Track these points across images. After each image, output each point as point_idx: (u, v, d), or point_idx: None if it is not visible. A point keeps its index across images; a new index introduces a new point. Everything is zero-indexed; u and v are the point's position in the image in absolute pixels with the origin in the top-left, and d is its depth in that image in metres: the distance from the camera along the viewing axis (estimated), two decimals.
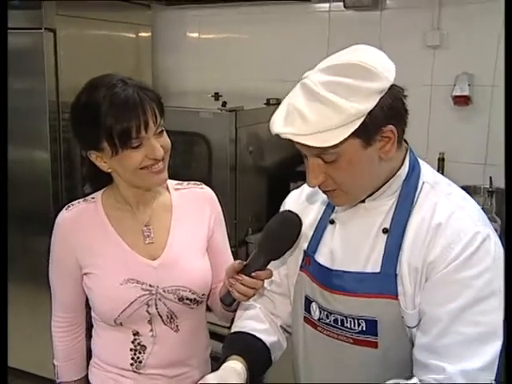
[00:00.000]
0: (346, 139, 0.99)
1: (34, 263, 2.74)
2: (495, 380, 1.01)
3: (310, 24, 2.82)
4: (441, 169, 2.57)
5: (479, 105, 2.52)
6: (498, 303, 1.00)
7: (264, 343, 1.23)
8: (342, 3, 2.62)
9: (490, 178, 2.28)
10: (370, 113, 0.99)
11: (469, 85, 2.48)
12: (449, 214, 1.06)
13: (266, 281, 1.23)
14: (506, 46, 1.08)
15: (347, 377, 1.08)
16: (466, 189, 2.37)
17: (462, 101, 2.51)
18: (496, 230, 2.05)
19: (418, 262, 1.06)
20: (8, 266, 2.80)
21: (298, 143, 1.03)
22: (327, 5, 2.78)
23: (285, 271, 1.28)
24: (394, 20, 2.63)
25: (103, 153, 1.25)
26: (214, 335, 1.55)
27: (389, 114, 1.02)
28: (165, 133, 1.29)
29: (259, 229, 2.37)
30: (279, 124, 1.03)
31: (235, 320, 1.31)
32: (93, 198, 1.38)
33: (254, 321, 1.27)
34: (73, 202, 1.38)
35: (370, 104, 0.99)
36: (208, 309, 1.47)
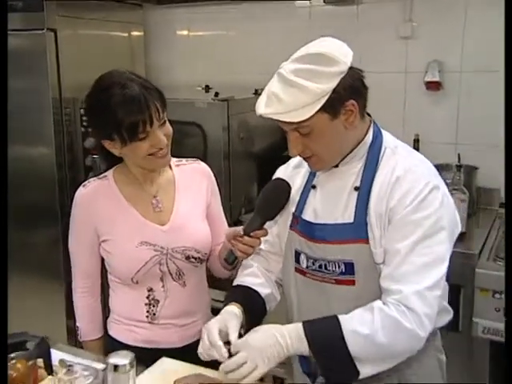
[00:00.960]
0: (315, 114, 1.23)
1: (42, 255, 2.90)
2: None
3: (293, 20, 3.01)
4: (416, 149, 2.79)
5: (449, 89, 2.73)
6: (444, 236, 1.26)
7: (259, 294, 1.45)
8: None
9: (458, 154, 2.50)
10: (333, 91, 1.23)
11: (439, 71, 2.70)
12: (405, 170, 1.30)
13: (262, 243, 1.46)
14: (506, 45, 1.23)
15: (332, 313, 1.29)
16: (438, 166, 2.62)
17: (434, 86, 2.73)
18: (463, 201, 2.29)
19: (381, 209, 1.29)
20: (15, 258, 2.99)
21: (277, 121, 1.27)
22: (308, 2, 2.99)
23: (277, 232, 1.50)
24: (370, 13, 2.84)
25: (114, 142, 1.45)
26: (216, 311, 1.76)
27: (349, 91, 1.26)
28: (167, 122, 1.50)
29: (252, 209, 2.59)
30: (261, 107, 1.27)
31: (236, 278, 1.53)
32: (105, 176, 1.59)
33: (251, 277, 1.49)
34: (88, 180, 1.59)
35: (331, 84, 1.22)
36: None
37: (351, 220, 1.32)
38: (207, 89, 3.06)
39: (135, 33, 3.27)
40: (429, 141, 2.79)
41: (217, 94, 2.61)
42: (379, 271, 1.30)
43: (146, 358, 1.44)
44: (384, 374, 1.29)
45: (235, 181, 2.63)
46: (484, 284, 2.03)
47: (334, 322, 1.23)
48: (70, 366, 1.19)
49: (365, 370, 1.23)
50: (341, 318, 1.24)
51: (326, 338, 1.22)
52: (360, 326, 1.21)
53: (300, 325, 1.24)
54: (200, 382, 1.30)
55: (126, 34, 3.20)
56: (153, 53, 3.41)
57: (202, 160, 2.65)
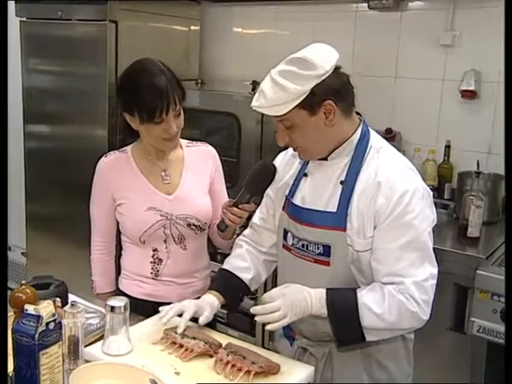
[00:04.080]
0: (293, 110, 1.39)
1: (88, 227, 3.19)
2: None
3: (339, 22, 3.14)
4: (446, 155, 2.86)
5: (485, 99, 2.77)
6: (428, 234, 1.44)
7: (242, 280, 1.66)
8: (366, 4, 2.96)
9: (477, 161, 2.54)
10: (311, 91, 1.38)
11: (475, 81, 2.73)
12: (387, 177, 1.44)
13: (255, 217, 1.69)
14: (506, 48, 1.35)
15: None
16: (466, 173, 2.68)
17: (469, 95, 2.77)
18: (479, 207, 2.36)
19: (364, 208, 1.44)
20: (70, 230, 3.25)
21: (263, 113, 1.45)
22: (354, 5, 3.12)
23: (272, 211, 1.69)
24: (412, 20, 2.93)
25: (134, 118, 1.67)
26: None
27: (328, 92, 1.40)
28: (182, 114, 1.70)
29: None
30: (253, 101, 1.46)
31: (227, 258, 1.74)
32: (124, 150, 1.83)
33: (238, 259, 1.70)
34: (109, 152, 1.84)
35: (307, 86, 1.38)
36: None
37: (334, 210, 1.48)
38: (254, 84, 3.24)
39: (192, 27, 3.49)
40: (461, 148, 2.85)
41: (254, 89, 2.79)
42: (353, 257, 1.46)
43: (148, 310, 1.67)
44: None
45: None
46: (484, 286, 2.10)
47: (352, 294, 1.42)
48: (74, 302, 1.40)
49: (370, 337, 1.43)
50: (358, 291, 1.43)
51: (342, 308, 1.41)
52: (373, 304, 1.40)
53: (324, 290, 1.44)
54: (185, 332, 1.49)
55: (183, 28, 3.43)
56: (207, 47, 3.63)
57: (236, 150, 2.88)
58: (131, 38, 3.01)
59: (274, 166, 1.61)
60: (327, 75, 1.39)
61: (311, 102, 1.40)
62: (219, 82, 3.52)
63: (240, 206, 1.61)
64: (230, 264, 1.70)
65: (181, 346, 1.46)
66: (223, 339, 1.51)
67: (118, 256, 1.90)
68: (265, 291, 2.76)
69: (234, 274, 1.66)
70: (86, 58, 2.99)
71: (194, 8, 3.48)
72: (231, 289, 1.65)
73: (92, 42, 2.97)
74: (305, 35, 3.26)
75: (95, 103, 3.03)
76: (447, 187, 2.87)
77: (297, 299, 1.40)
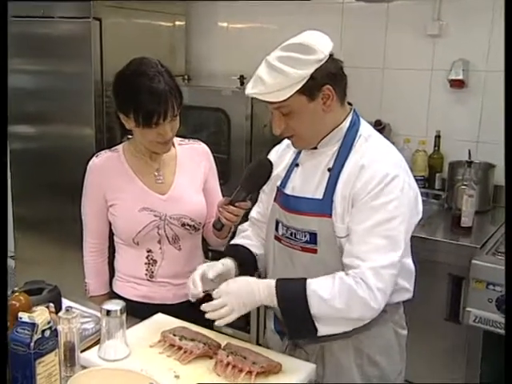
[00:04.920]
0: (293, 95, 1.37)
1: (80, 228, 3.15)
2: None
3: (326, 15, 3.11)
4: (436, 145, 2.86)
5: (473, 88, 2.78)
6: (400, 223, 1.39)
7: (251, 252, 1.64)
8: None
9: (469, 150, 2.55)
10: (311, 76, 1.36)
11: (463, 70, 2.74)
12: (370, 160, 1.42)
13: (254, 212, 1.67)
14: (506, 44, 1.29)
15: (298, 276, 1.45)
16: (457, 163, 2.69)
17: (457, 84, 2.78)
18: (471, 196, 2.36)
19: (346, 191, 1.43)
20: (56, 230, 3.22)
21: (262, 100, 1.42)
22: None
23: (267, 205, 1.66)
24: (399, 11, 2.92)
25: (129, 119, 1.63)
26: None
27: (326, 77, 1.39)
28: (177, 118, 1.66)
29: None
30: (249, 88, 1.43)
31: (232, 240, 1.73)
32: (116, 149, 1.79)
33: (245, 239, 1.69)
34: (101, 152, 1.79)
35: (308, 70, 1.36)
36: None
37: (321, 197, 1.47)
38: (242, 79, 3.22)
39: (177, 23, 3.45)
40: (451, 137, 2.86)
41: (242, 83, 2.76)
42: (339, 244, 1.44)
43: (144, 312, 1.64)
44: (339, 336, 1.44)
45: None
46: (479, 275, 2.10)
47: (301, 282, 1.39)
48: (69, 307, 1.37)
49: (322, 329, 1.38)
50: (308, 280, 1.40)
51: (291, 296, 1.38)
52: (321, 289, 1.37)
53: (273, 281, 1.42)
54: (182, 335, 1.46)
55: (168, 24, 3.39)
56: (193, 43, 3.59)
57: (226, 146, 2.85)
58: (116, 35, 2.98)
59: (270, 162, 1.59)
60: (325, 60, 1.38)
61: (311, 87, 1.38)
62: (206, 78, 3.49)
63: (236, 204, 1.58)
64: (239, 241, 1.69)
65: (179, 348, 1.43)
66: (221, 339, 1.49)
67: (111, 257, 1.87)
68: None
69: (244, 247, 1.65)
70: (70, 57, 2.95)
71: (179, 3, 3.44)
72: (243, 256, 1.62)
73: (76, 39, 2.93)
74: (291, 28, 3.15)
75: (81, 102, 2.99)
76: (438, 177, 2.87)
77: (244, 292, 1.39)
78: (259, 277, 1.63)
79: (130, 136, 1.77)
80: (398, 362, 1.60)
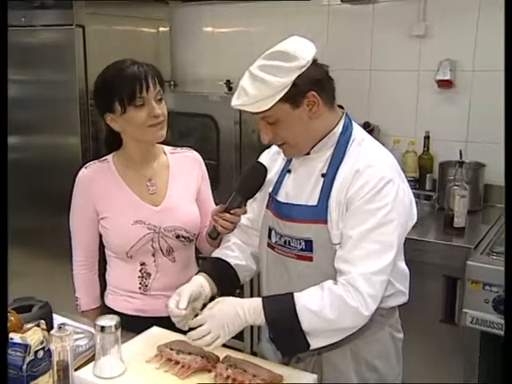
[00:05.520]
0: (276, 104, 1.35)
1: (67, 239, 3.10)
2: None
3: (312, 17, 3.09)
4: (426, 145, 2.85)
5: (461, 88, 2.78)
6: (395, 227, 1.37)
7: (230, 265, 1.59)
8: None
9: (460, 151, 2.54)
10: (293, 84, 1.34)
11: (451, 70, 2.74)
12: (365, 164, 1.40)
13: (243, 218, 1.61)
14: (506, 45, 1.28)
15: (293, 285, 1.43)
16: (447, 163, 2.69)
17: (445, 84, 2.78)
18: (464, 197, 2.35)
19: (341, 197, 1.40)
20: (43, 242, 3.16)
21: (245, 111, 1.39)
22: (326, 0, 3.08)
23: (258, 211, 1.63)
24: (385, 12, 2.91)
25: (114, 114, 1.60)
26: None
27: (310, 83, 1.37)
28: (164, 102, 1.64)
29: None
30: (234, 99, 1.41)
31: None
32: (105, 159, 1.74)
33: (226, 250, 1.64)
34: (89, 163, 1.75)
35: (290, 78, 1.34)
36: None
37: (315, 203, 1.44)
38: (228, 84, 3.19)
39: (161, 29, 3.42)
40: (440, 138, 2.85)
41: (230, 89, 2.74)
42: (335, 250, 1.41)
43: (138, 326, 1.59)
44: (337, 344, 1.41)
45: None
46: (475, 276, 2.08)
47: (288, 298, 1.36)
48: (62, 324, 1.33)
49: (315, 343, 1.35)
50: (295, 294, 1.36)
51: (280, 312, 1.35)
52: (311, 303, 1.34)
53: (259, 299, 1.38)
54: (179, 348, 1.42)
55: (151, 30, 3.36)
56: (178, 48, 3.56)
57: (214, 152, 2.82)
58: (99, 42, 2.94)
59: (264, 166, 1.56)
60: (308, 66, 1.36)
61: (294, 95, 1.36)
62: (192, 83, 3.46)
63: (232, 211, 1.54)
64: (217, 253, 1.64)
65: (177, 362, 1.39)
66: (219, 351, 1.45)
67: (102, 270, 1.82)
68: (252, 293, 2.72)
69: (222, 260, 1.60)
70: (53, 65, 2.90)
71: (162, 9, 3.41)
72: (220, 270, 1.57)
73: (59, 47, 2.89)
74: (276, 32, 3.15)
75: (66, 111, 2.95)
76: (428, 178, 2.87)
77: (227, 316, 1.34)
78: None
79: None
80: (395, 365, 1.58)
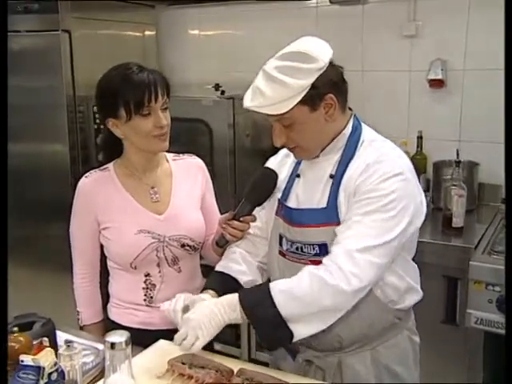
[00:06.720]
0: (294, 106, 1.32)
1: (55, 247, 3.02)
2: None
3: (300, 19, 3.06)
4: (419, 146, 2.85)
5: (452, 87, 2.78)
6: (395, 216, 1.32)
7: (237, 281, 1.54)
8: None
9: (457, 150, 2.55)
10: (312, 86, 1.31)
11: (442, 69, 2.74)
12: (375, 158, 1.38)
13: (252, 228, 1.57)
14: (506, 44, 1.29)
15: None
16: (441, 163, 2.68)
17: (437, 84, 2.77)
18: (462, 196, 2.35)
19: (349, 191, 1.38)
20: (29, 250, 3.10)
21: (261, 113, 1.35)
22: (315, 0, 3.06)
23: (265, 218, 1.59)
24: (375, 13, 2.90)
25: (119, 120, 1.55)
26: None
27: (328, 85, 1.34)
28: (168, 111, 1.60)
29: None
30: (247, 100, 1.36)
31: (219, 262, 1.62)
32: (106, 168, 1.69)
33: (232, 263, 1.58)
34: (90, 172, 1.69)
35: (310, 80, 1.31)
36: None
37: (325, 205, 1.41)
38: (217, 87, 3.14)
39: (148, 33, 3.38)
40: (432, 138, 2.85)
41: (223, 92, 2.70)
42: None
43: (144, 339, 1.53)
44: (357, 348, 1.40)
45: (240, 177, 2.71)
46: (478, 276, 2.07)
47: (264, 286, 1.34)
48: (70, 342, 1.28)
49: (298, 331, 1.31)
50: (272, 283, 1.34)
51: (255, 301, 1.32)
52: (286, 286, 1.32)
53: (236, 294, 1.35)
54: (191, 362, 1.38)
55: (137, 34, 3.31)
56: (165, 52, 3.51)
57: (208, 156, 2.77)
58: (86, 46, 2.90)
59: (274, 172, 1.53)
60: (326, 68, 1.33)
61: (313, 97, 1.33)
62: (181, 87, 3.38)
63: (242, 219, 1.50)
64: (224, 267, 1.58)
65: (190, 377, 1.35)
66: (231, 363, 1.42)
67: (105, 281, 1.77)
68: None
69: (229, 275, 1.55)
70: (40, 71, 2.84)
71: (148, 12, 3.37)
72: (227, 286, 1.51)
73: (45, 53, 2.83)
74: (264, 34, 3.18)
75: (53, 117, 2.89)
76: (422, 178, 2.85)
77: (204, 316, 1.33)
78: None
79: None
80: (413, 369, 1.56)
